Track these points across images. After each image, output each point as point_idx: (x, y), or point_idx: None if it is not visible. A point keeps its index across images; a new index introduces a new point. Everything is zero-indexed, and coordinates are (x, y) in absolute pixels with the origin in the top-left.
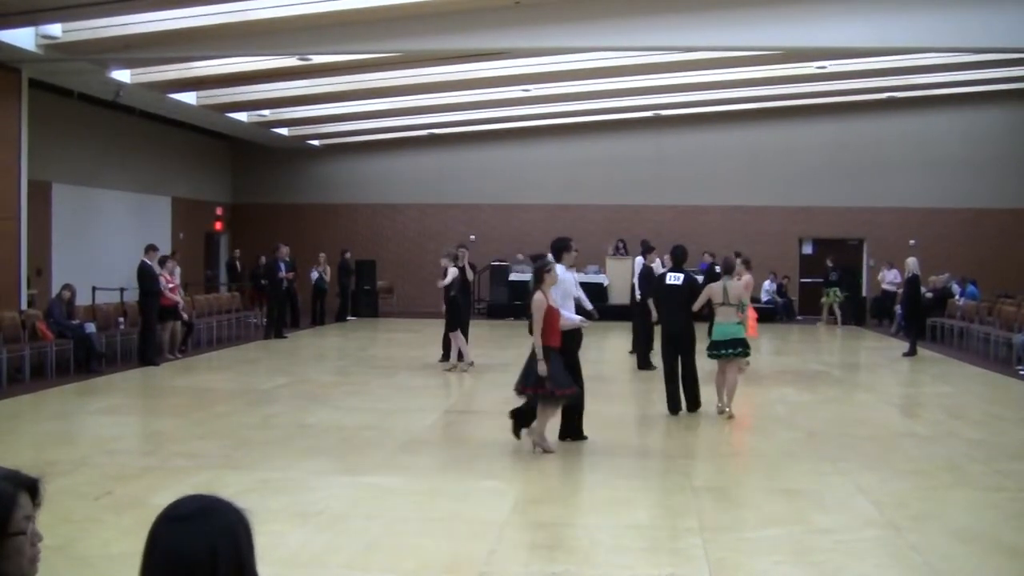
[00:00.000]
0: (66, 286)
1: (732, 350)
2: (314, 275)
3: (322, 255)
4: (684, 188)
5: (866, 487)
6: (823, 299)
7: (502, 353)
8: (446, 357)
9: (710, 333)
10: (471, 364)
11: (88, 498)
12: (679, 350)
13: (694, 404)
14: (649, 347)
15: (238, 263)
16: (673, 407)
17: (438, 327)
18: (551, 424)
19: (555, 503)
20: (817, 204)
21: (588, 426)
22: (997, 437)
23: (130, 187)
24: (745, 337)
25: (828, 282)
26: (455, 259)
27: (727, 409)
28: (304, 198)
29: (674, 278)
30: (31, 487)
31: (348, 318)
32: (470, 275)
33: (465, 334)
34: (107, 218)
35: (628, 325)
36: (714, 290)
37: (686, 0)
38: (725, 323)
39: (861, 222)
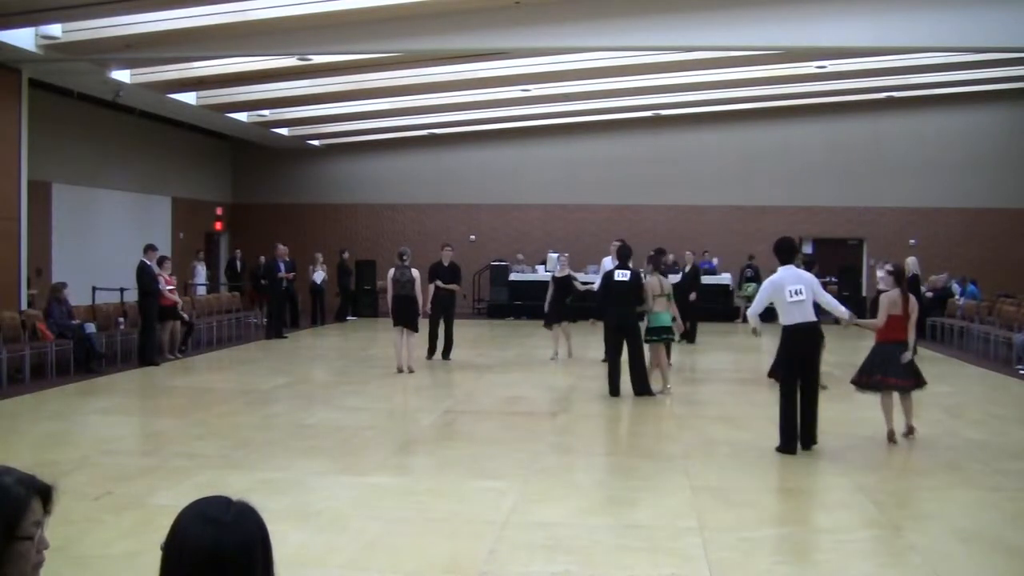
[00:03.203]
0: (57, 284)
1: (666, 336)
2: (318, 276)
3: (319, 255)
4: (683, 188)
5: (866, 487)
6: (741, 294)
7: (501, 353)
8: (433, 353)
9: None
10: (399, 369)
11: (88, 498)
12: (626, 340)
13: (643, 388)
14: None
15: (239, 262)
16: (614, 390)
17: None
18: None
19: (555, 503)
20: (817, 204)
21: (586, 425)
22: (997, 437)
23: (130, 187)
24: (672, 324)
25: (747, 278)
26: (400, 257)
27: (669, 387)
28: (304, 198)
29: (621, 275)
30: (44, 493)
31: (348, 318)
32: (413, 273)
33: (433, 334)
34: (107, 218)
35: None
36: (652, 284)
37: (686, 0)
38: (661, 312)
39: (861, 222)
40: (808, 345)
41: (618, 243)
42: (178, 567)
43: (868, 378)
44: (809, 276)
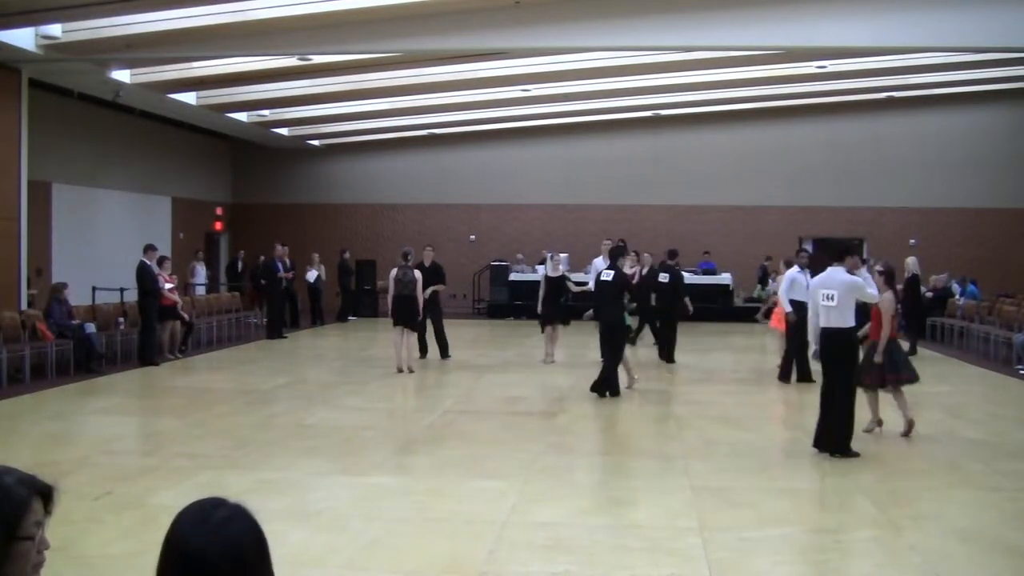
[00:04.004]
0: (57, 284)
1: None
2: (311, 275)
3: (315, 255)
4: (683, 188)
5: (866, 487)
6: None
7: (501, 353)
8: (425, 353)
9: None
10: (399, 369)
11: (88, 498)
12: (608, 337)
13: (602, 389)
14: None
15: (240, 263)
16: (614, 391)
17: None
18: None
19: (555, 503)
20: (817, 204)
21: (586, 425)
22: (997, 437)
23: (130, 187)
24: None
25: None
26: (404, 256)
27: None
28: (304, 198)
29: (607, 275)
30: (45, 493)
31: (349, 318)
32: (415, 274)
33: (422, 336)
34: (107, 218)
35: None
36: None
37: (686, 0)
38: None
39: (861, 222)
40: (834, 350)
41: (609, 243)
42: (172, 568)
43: (895, 377)
44: (852, 280)
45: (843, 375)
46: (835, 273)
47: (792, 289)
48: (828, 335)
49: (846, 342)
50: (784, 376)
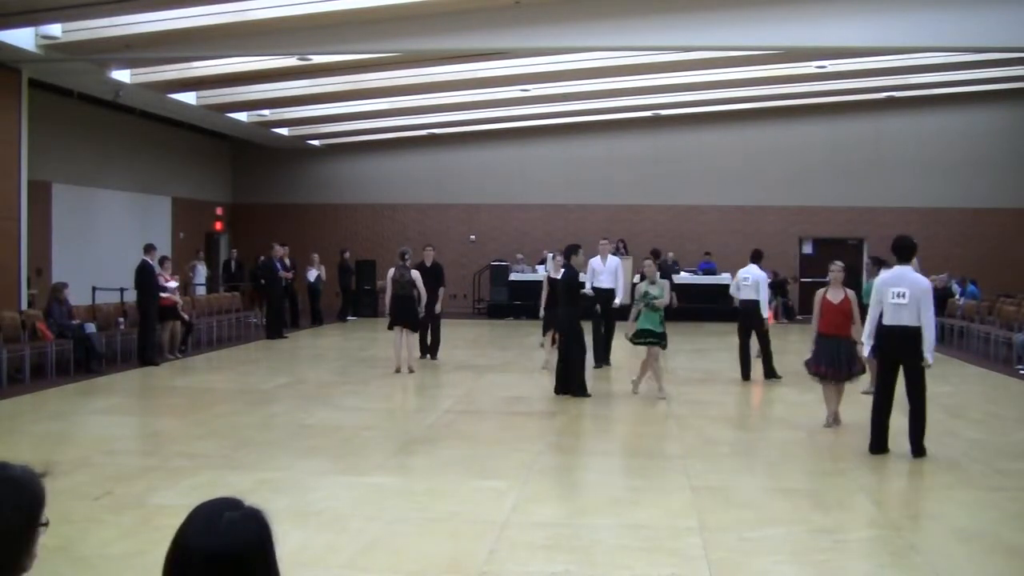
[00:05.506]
0: (57, 284)
1: (649, 340)
2: (311, 275)
3: (315, 255)
4: (683, 188)
5: (866, 487)
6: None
7: (501, 354)
8: (425, 353)
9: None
10: (397, 369)
11: (88, 498)
12: (568, 337)
13: (579, 389)
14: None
15: (233, 263)
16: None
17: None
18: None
19: (555, 503)
20: (817, 204)
21: (586, 425)
22: (997, 437)
23: (130, 187)
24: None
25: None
26: (402, 256)
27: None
28: (304, 198)
29: (557, 274)
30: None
31: (349, 318)
32: (413, 274)
33: (424, 336)
34: (107, 218)
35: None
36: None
37: (686, 0)
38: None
39: (861, 222)
40: (900, 349)
41: (607, 242)
42: (179, 567)
43: (849, 372)
44: (925, 282)
45: (918, 372)
46: (906, 272)
47: (759, 290)
48: (899, 332)
49: (912, 342)
50: (770, 373)
